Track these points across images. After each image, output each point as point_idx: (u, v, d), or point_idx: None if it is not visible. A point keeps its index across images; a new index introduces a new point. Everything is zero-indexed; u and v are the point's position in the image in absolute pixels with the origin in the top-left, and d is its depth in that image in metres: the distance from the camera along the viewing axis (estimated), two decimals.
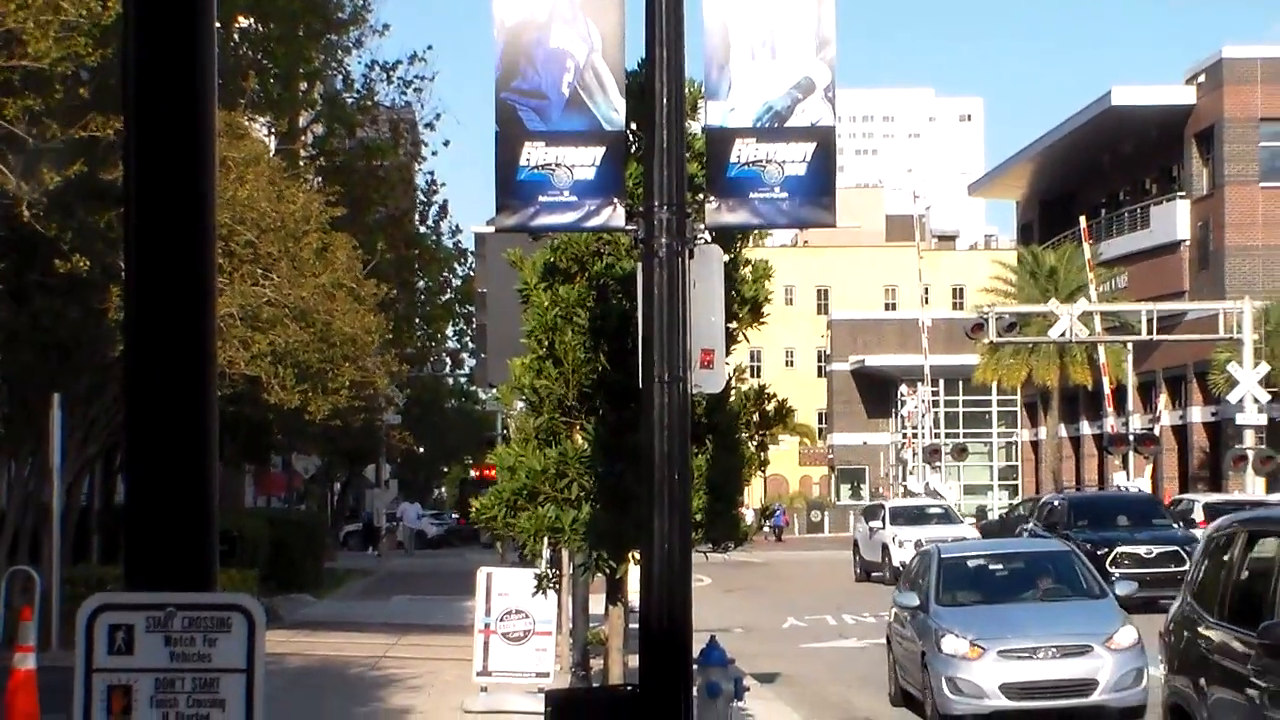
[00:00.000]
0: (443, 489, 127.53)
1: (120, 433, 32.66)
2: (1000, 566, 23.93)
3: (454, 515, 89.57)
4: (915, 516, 55.94)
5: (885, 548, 52.87)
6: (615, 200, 9.87)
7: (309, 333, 29.77)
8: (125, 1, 5.54)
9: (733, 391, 12.69)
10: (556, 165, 9.88)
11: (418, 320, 56.86)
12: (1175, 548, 39.55)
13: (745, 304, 12.83)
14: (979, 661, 20.32)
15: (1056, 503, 47.71)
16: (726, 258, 10.67)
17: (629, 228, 9.93)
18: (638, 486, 9.99)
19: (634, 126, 10.30)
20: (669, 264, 9.38)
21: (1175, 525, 43.21)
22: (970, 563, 24.02)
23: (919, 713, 21.92)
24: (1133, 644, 20.56)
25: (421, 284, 57.30)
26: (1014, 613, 21.96)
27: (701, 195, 10.02)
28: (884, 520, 54.87)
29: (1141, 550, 40.06)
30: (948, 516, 56.99)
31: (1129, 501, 49.01)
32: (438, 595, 44.27)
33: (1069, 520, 43.01)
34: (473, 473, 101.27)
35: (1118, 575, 30.63)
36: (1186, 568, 36.29)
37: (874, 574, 53.37)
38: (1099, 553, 37.20)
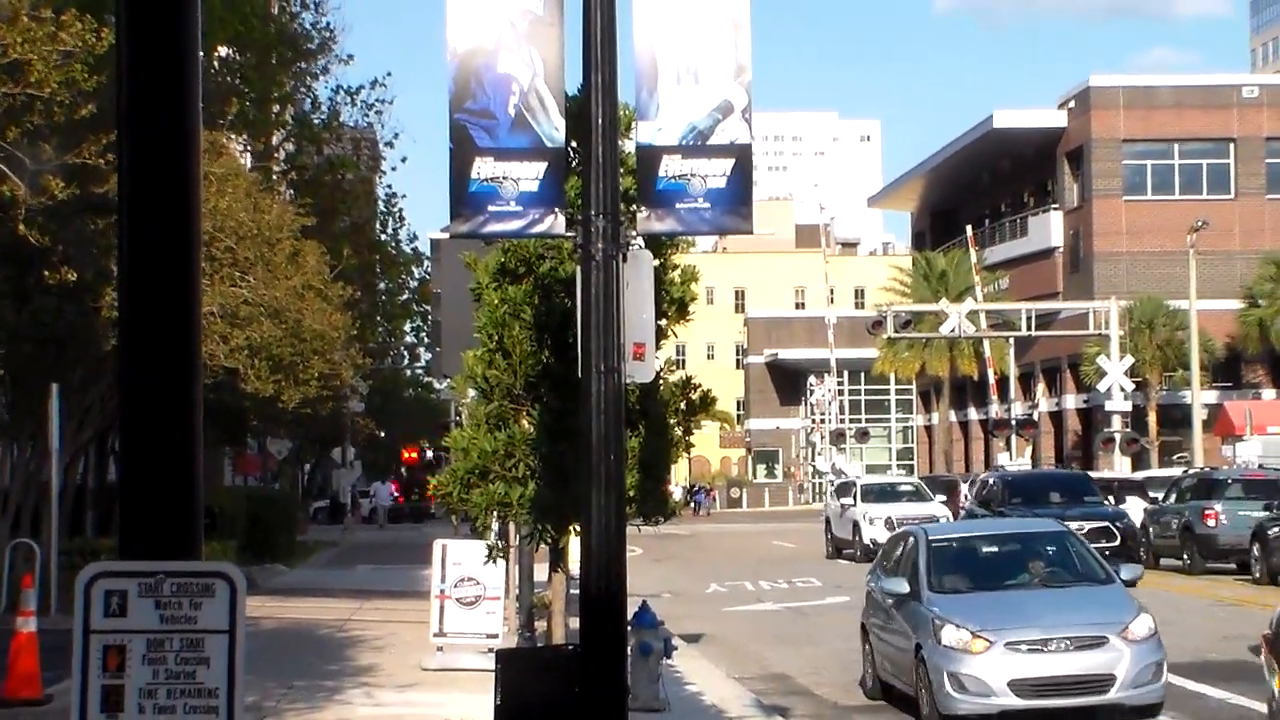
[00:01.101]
0: (402, 470, 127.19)
1: (112, 418, 32.52)
2: (994, 548, 19.89)
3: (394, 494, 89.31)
4: (886, 494, 50.61)
5: (856, 525, 48.07)
6: (557, 210, 9.84)
7: (282, 329, 29.63)
8: (119, 34, 5.48)
9: (662, 382, 12.66)
10: (504, 178, 9.84)
11: (379, 318, 56.70)
12: (1106, 523, 37.69)
13: (673, 303, 12.82)
14: (985, 655, 16.73)
15: (991, 480, 45.04)
16: (656, 262, 10.64)
17: (569, 234, 9.91)
18: (578, 466, 9.96)
19: (573, 144, 10.26)
20: (605, 267, 9.35)
21: (1105, 502, 41.16)
22: (961, 545, 20.00)
23: (909, 710, 18.37)
24: (1149, 634, 17.08)
25: (382, 285, 57.14)
26: (1018, 600, 18.19)
27: (634, 206, 9.99)
28: (855, 497, 49.74)
29: (1074, 526, 38.68)
30: (919, 494, 51.60)
31: (1061, 479, 46.69)
32: (398, 565, 44.11)
33: (1004, 497, 40.61)
34: (428, 453, 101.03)
35: None
36: (1117, 543, 36.01)
37: (845, 551, 48.75)
38: None
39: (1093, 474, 52.76)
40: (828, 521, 51.93)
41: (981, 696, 16.65)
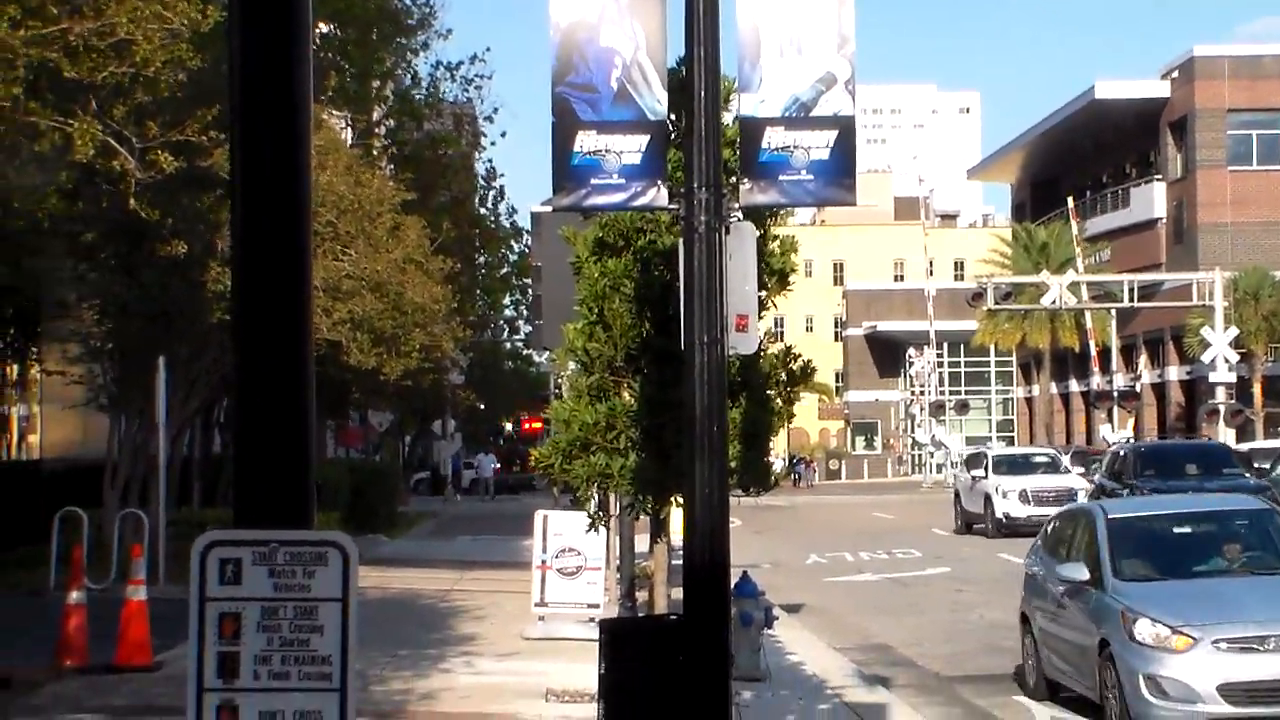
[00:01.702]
0: (500, 441, 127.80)
1: (218, 391, 32.93)
2: (1187, 529, 17.26)
3: (495, 464, 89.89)
4: (1020, 465, 48.33)
5: (988, 498, 45.64)
6: (659, 182, 9.84)
7: (383, 302, 29.88)
8: (231, 8, 5.54)
9: (763, 353, 12.65)
10: (606, 151, 9.85)
11: (479, 291, 56.96)
12: (1250, 497, 34.92)
13: (774, 275, 12.77)
14: (1188, 655, 14.38)
15: (1123, 451, 41.85)
16: (758, 233, 10.62)
17: (671, 207, 9.91)
18: (679, 437, 9.98)
19: (675, 117, 10.25)
20: (707, 239, 9.36)
21: (1247, 474, 37.55)
22: (1148, 525, 17.35)
23: (1089, 715, 16.31)
24: None
25: (482, 259, 57.39)
26: (1221, 590, 15.65)
27: (735, 178, 9.98)
28: (986, 469, 47.36)
29: None
30: (1054, 465, 49.04)
31: (1198, 449, 44.00)
32: (498, 535, 44.38)
33: (1136, 470, 37.92)
34: (524, 425, 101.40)
35: None
36: None
37: (975, 526, 46.58)
38: None
39: None
40: (956, 495, 49.74)
41: (1186, 703, 14.31)
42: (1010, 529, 43.37)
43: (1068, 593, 16.64)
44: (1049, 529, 19.35)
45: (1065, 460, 50.62)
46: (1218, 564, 16.51)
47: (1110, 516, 17.02)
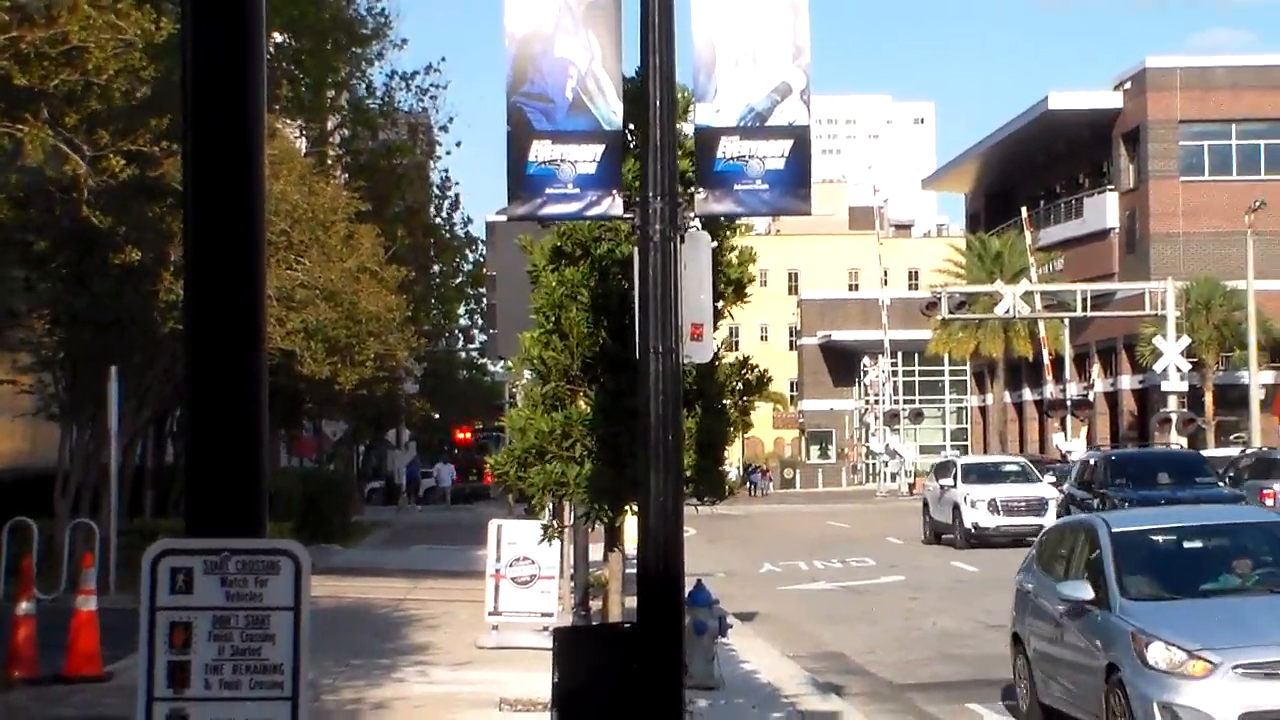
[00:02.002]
0: (455, 451, 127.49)
1: (170, 400, 32.77)
2: (1197, 543, 16.01)
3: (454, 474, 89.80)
4: (989, 474, 47.03)
5: (956, 508, 44.52)
6: (614, 192, 9.86)
7: (337, 311, 29.80)
8: (184, 19, 5.52)
9: (718, 362, 12.68)
10: (561, 161, 9.87)
11: (433, 300, 56.86)
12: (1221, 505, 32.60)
13: (730, 284, 12.81)
14: (1208, 681, 13.24)
15: (1093, 460, 41.21)
16: (714, 244, 10.65)
17: (627, 216, 9.93)
18: (634, 446, 9.98)
19: (631, 126, 10.27)
20: (663, 248, 9.37)
21: (1221, 484, 37.19)
22: (1154, 539, 16.07)
23: None
24: None
25: (437, 268, 57.29)
26: (1238, 609, 14.40)
27: (691, 188, 10.00)
28: (955, 478, 46.18)
29: None
30: (1025, 474, 47.51)
31: (1171, 458, 42.49)
32: (452, 545, 44.27)
33: (1107, 478, 37.48)
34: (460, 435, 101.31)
35: None
36: None
37: (944, 536, 45.40)
38: None
39: None
40: (925, 504, 48.53)
41: None
42: (979, 539, 42.99)
43: (1068, 613, 15.37)
44: (1043, 542, 17.99)
45: (1036, 470, 49.84)
46: (1230, 581, 15.26)
47: (1115, 530, 15.66)
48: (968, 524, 43.57)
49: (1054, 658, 15.87)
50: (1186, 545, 15.97)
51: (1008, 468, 48.95)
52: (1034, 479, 46.80)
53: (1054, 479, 48.37)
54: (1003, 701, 18.13)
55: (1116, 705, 13.89)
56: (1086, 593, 14.94)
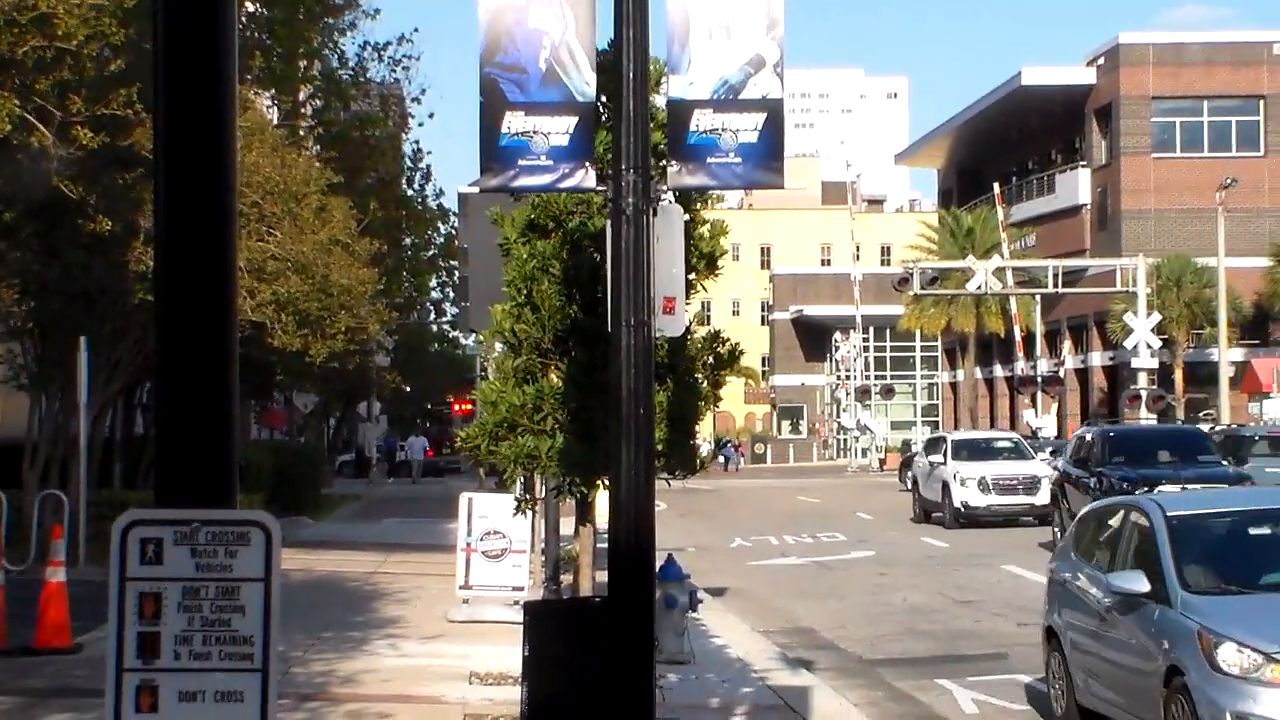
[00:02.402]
0: (428, 423, 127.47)
1: (140, 372, 32.67)
2: (1264, 530, 14.26)
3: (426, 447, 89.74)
4: (981, 450, 45.10)
5: (946, 486, 42.73)
6: (587, 164, 9.83)
7: (309, 284, 29.69)
8: None
9: (691, 336, 12.68)
10: (534, 133, 9.83)
11: (405, 273, 56.71)
12: (1226, 486, 31.26)
13: (702, 258, 12.82)
14: None
15: (1089, 436, 37.87)
16: (686, 216, 10.64)
17: (599, 189, 9.91)
18: (606, 420, 9.98)
19: (604, 98, 10.25)
20: (635, 221, 9.35)
21: (1225, 461, 35.45)
22: (1215, 525, 14.52)
23: None
24: None
25: (408, 241, 57.14)
26: None
27: (664, 160, 9.98)
28: (945, 454, 44.25)
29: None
30: (1018, 451, 45.62)
31: (1172, 435, 39.63)
32: (423, 518, 44.25)
33: (1104, 455, 35.04)
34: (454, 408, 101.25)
35: None
36: None
37: (934, 515, 43.67)
38: (1137, 492, 27.05)
39: None
40: (915, 482, 47.08)
41: None
42: (969, 519, 41.76)
43: (1117, 607, 13.85)
44: (1081, 526, 16.37)
45: (1029, 446, 47.63)
46: None
47: (1171, 514, 14.05)
48: (957, 503, 42.06)
49: (1098, 656, 14.39)
50: (1253, 532, 14.36)
51: (999, 444, 46.94)
52: (1027, 456, 45.05)
53: (1047, 456, 47.29)
54: (974, 677, 18.18)
55: (1179, 713, 12.41)
56: (1142, 584, 13.34)
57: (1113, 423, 61.26)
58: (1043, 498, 40.69)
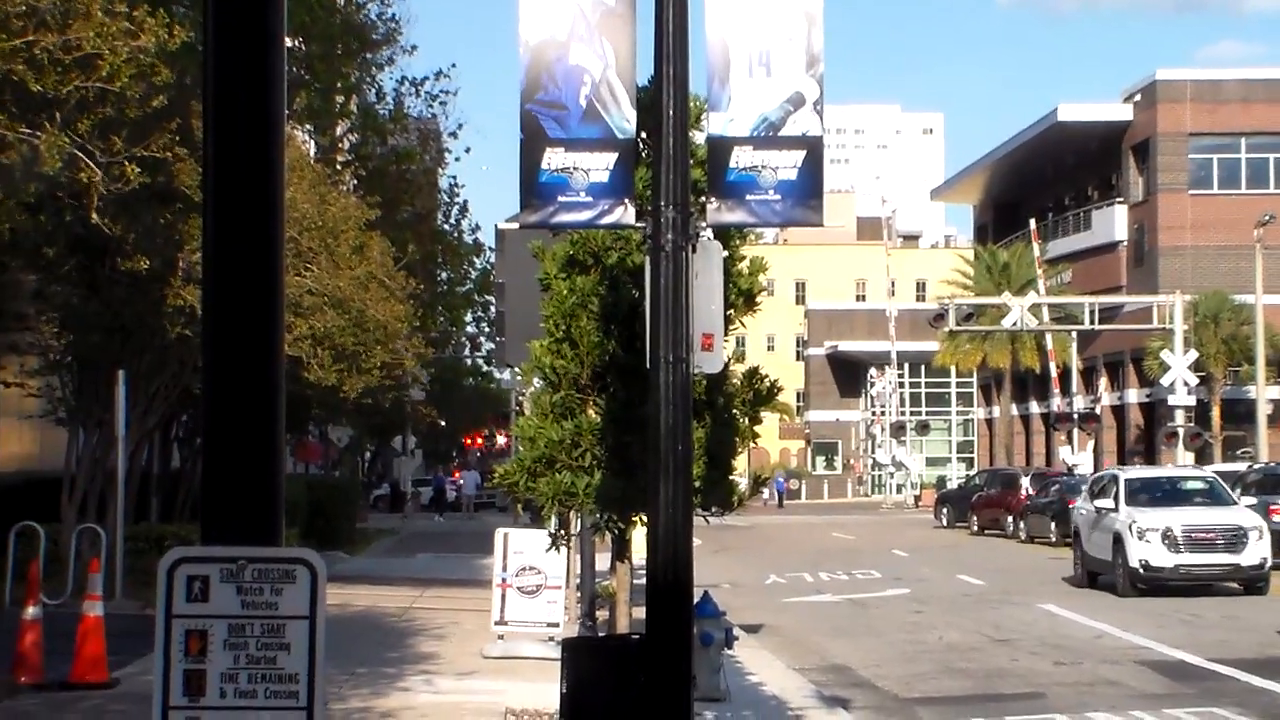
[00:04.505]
0: (457, 458, 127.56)
1: (177, 405, 32.77)
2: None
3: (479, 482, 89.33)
4: (1165, 493, 35.09)
5: (1119, 540, 32.69)
6: (626, 201, 9.87)
7: (345, 319, 29.76)
8: (207, 24, 5.52)
9: (729, 372, 12.68)
10: (574, 169, 9.87)
11: (440, 307, 56.83)
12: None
13: (741, 294, 12.83)
14: None
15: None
16: (725, 253, 10.65)
17: (639, 225, 9.94)
18: (644, 456, 9.98)
19: (644, 135, 10.28)
20: (674, 258, 9.38)
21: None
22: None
23: None
24: None
25: (444, 275, 57.28)
26: None
27: (703, 197, 10.01)
28: (1117, 498, 34.19)
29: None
30: (1215, 494, 35.27)
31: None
32: (458, 553, 44.25)
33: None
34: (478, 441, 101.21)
35: None
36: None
37: (1102, 578, 34.05)
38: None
39: (1152, 470, 52.07)
40: (1076, 533, 36.40)
41: None
42: (1152, 583, 32.30)
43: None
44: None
45: (1226, 486, 36.77)
46: None
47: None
48: (1134, 562, 32.15)
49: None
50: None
51: (1189, 485, 36.14)
52: (1226, 501, 34.88)
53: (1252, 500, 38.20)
54: (1011, 716, 18.08)
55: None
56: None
57: (1152, 459, 60.89)
58: (1251, 556, 32.37)
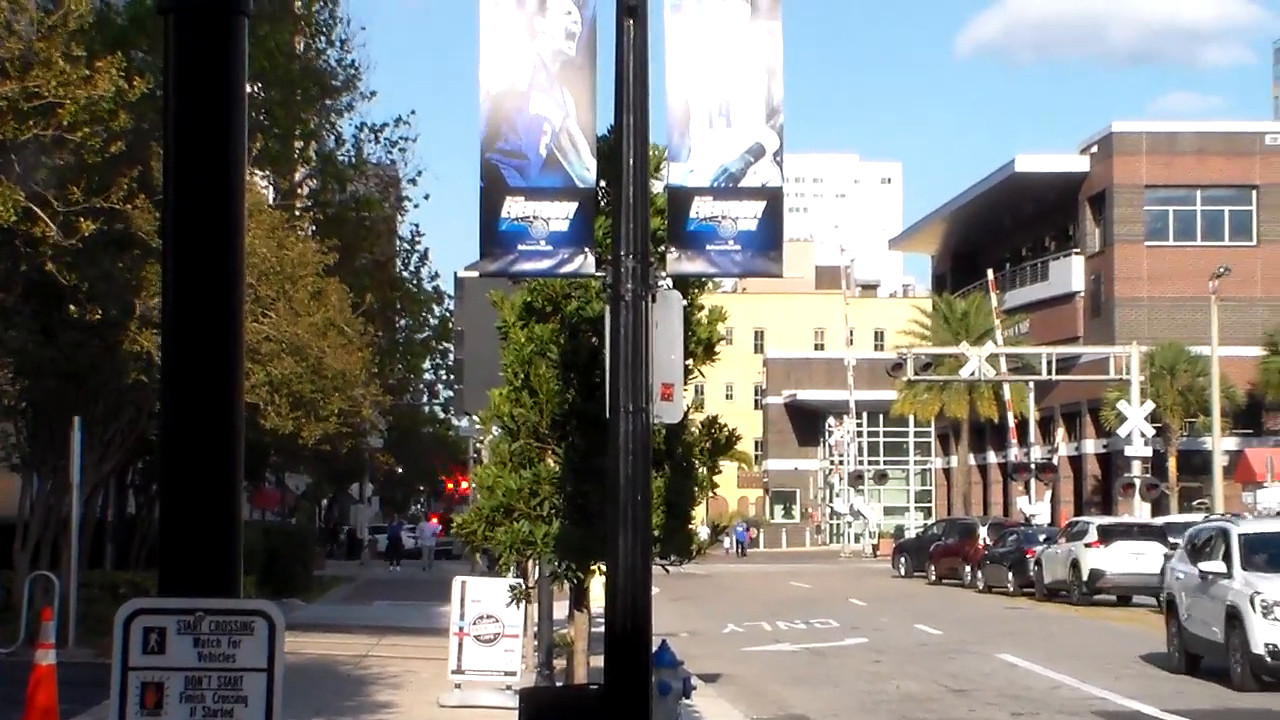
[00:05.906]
0: (419, 505, 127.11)
1: (132, 452, 32.60)
2: None
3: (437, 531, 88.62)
4: None
5: (1235, 614, 24.52)
6: (586, 250, 9.87)
7: (303, 366, 29.66)
8: (167, 70, 5.51)
9: (688, 422, 12.67)
10: (534, 218, 9.87)
11: (399, 355, 56.66)
12: None
13: (700, 344, 12.83)
14: None
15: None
16: (684, 302, 10.66)
17: (598, 274, 9.94)
18: (603, 505, 9.96)
19: (604, 184, 10.30)
20: (634, 307, 9.38)
21: None
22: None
23: None
24: None
25: (402, 323, 57.13)
26: None
27: (663, 246, 10.01)
28: (1231, 559, 25.62)
29: None
30: None
31: None
32: (415, 601, 44.06)
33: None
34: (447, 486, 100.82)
35: None
36: None
37: (1206, 661, 26.47)
38: None
39: (1112, 519, 52.38)
40: (1170, 604, 28.09)
41: None
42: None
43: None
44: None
45: None
46: None
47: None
48: (1258, 646, 23.99)
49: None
50: None
51: None
52: None
53: None
54: None
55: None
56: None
57: (1107, 509, 61.04)
58: None
